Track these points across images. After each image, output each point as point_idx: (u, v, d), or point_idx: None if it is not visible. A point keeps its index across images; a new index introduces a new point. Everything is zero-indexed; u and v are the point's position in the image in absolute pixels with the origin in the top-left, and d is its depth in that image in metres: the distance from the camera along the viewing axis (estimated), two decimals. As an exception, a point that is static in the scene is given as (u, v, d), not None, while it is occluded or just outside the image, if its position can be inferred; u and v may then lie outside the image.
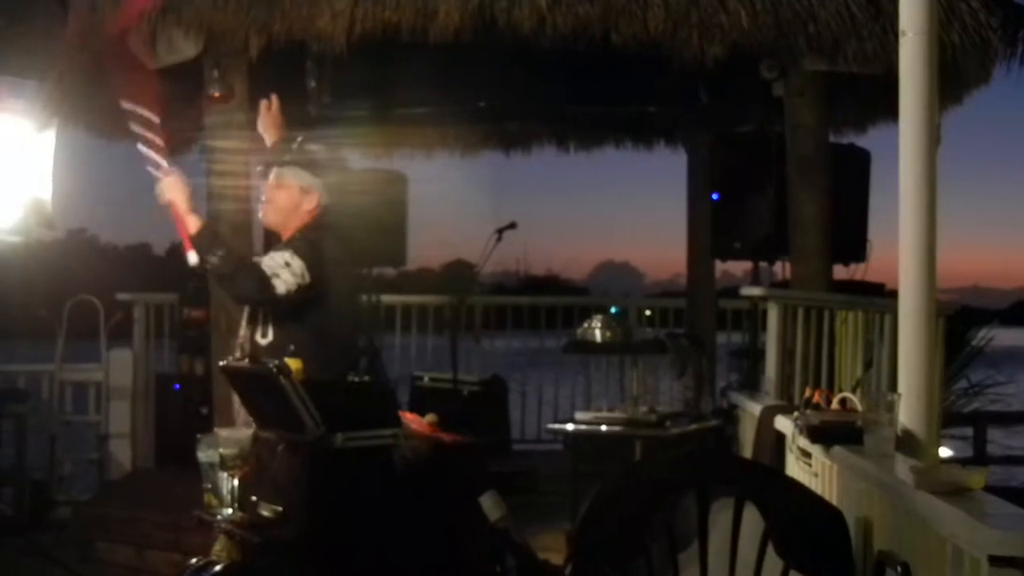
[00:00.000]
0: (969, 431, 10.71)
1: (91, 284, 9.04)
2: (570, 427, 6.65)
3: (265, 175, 5.07)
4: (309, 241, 4.86)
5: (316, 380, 4.35)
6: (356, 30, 6.49)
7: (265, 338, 4.85)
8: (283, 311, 4.80)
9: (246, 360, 4.59)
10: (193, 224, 4.80)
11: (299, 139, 5.08)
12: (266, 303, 4.79)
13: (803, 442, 4.65)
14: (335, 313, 4.88)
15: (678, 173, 9.92)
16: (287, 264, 4.70)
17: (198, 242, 4.78)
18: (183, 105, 7.75)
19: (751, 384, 6.90)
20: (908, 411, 4.20)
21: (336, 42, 6.56)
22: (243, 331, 4.97)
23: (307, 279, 4.71)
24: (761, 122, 8.18)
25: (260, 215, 5.15)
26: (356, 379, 4.99)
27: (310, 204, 4.97)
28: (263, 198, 5.08)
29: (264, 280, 4.67)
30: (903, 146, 4.26)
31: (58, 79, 6.86)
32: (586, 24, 6.52)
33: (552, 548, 5.10)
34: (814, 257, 6.99)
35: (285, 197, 4.98)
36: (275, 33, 6.57)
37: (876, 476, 3.77)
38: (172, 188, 4.84)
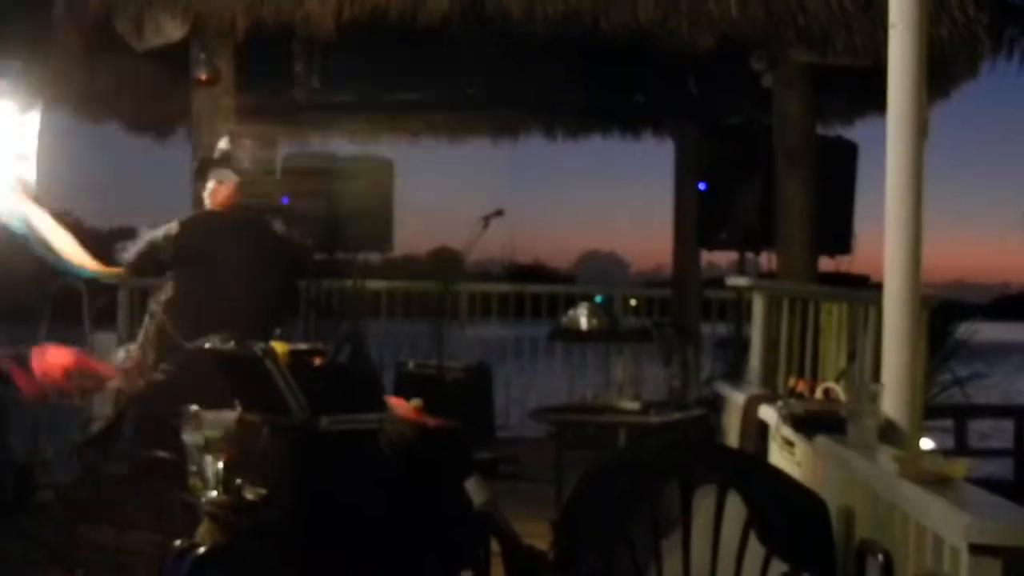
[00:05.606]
0: (951, 424, 10.74)
1: (76, 267, 8.96)
2: (554, 415, 6.66)
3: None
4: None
5: (303, 364, 4.37)
6: (345, 14, 6.48)
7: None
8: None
9: (232, 343, 4.59)
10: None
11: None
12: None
13: (786, 431, 4.67)
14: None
15: (665, 163, 9.96)
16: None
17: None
18: (170, 87, 7.74)
19: (736, 374, 6.91)
20: (891, 402, 4.21)
21: (324, 26, 6.55)
22: None
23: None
24: (749, 113, 8.20)
25: None
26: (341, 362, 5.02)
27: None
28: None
29: None
30: (890, 139, 4.27)
31: (43, 61, 6.83)
32: (576, 12, 6.52)
33: (536, 535, 5.10)
34: (800, 248, 7.01)
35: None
36: (263, 16, 6.56)
37: (859, 465, 3.78)
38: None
